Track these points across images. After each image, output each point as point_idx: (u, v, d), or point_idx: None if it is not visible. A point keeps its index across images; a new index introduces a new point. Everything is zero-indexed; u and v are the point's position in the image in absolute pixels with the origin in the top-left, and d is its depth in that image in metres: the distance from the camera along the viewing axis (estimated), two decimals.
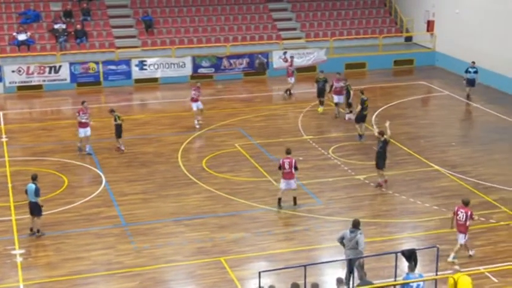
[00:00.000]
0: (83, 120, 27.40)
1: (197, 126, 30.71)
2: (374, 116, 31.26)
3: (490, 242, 20.61)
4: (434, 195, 24.09)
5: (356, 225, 17.89)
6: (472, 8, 38.63)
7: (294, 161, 22.70)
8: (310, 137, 29.58)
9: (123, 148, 27.74)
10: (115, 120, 27.82)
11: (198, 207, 23.30)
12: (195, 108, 30.96)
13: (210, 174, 25.88)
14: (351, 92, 31.19)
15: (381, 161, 24.25)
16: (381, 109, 33.02)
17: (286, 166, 22.57)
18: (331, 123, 31.71)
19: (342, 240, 18.01)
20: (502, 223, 21.99)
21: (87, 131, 27.58)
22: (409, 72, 41.15)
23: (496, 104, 33.90)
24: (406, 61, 41.91)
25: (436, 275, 17.50)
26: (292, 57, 37.61)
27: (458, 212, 19.50)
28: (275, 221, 22.34)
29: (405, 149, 28.14)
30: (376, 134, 24.83)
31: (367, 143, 28.34)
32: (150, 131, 30.68)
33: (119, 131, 27.89)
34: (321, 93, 32.77)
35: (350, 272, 17.66)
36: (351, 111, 31.31)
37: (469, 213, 19.40)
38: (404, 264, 17.22)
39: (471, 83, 34.49)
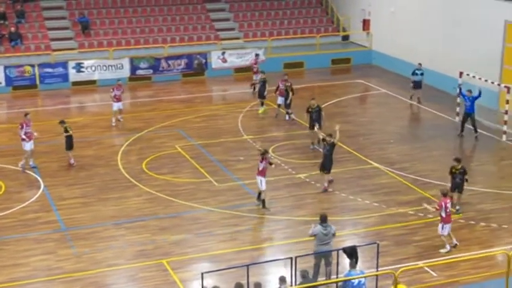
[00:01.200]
0: (27, 136, 25.95)
1: (113, 125, 30.96)
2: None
3: (427, 237, 20.94)
4: (373, 192, 24.38)
5: (325, 219, 18.09)
6: (407, 6, 39.22)
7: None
8: (251, 136, 29.61)
9: (72, 162, 26.57)
10: (66, 131, 26.46)
11: (139, 209, 23.12)
12: (115, 108, 31.13)
13: (151, 176, 25.70)
14: (290, 93, 31.30)
15: (327, 164, 24.18)
16: None
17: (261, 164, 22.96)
18: (271, 123, 31.80)
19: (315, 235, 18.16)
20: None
21: (32, 144, 26.16)
22: (347, 70, 41.55)
23: (433, 101, 34.40)
24: (344, 60, 42.29)
25: (377, 271, 17.71)
26: (257, 54, 37.46)
27: (448, 204, 19.95)
28: (217, 222, 22.29)
29: (345, 147, 28.39)
30: (326, 136, 24.57)
31: (306, 141, 28.50)
32: (89, 134, 30.30)
33: (69, 142, 26.59)
34: (261, 93, 32.87)
35: (318, 267, 18.04)
36: (290, 112, 31.41)
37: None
38: (345, 261, 17.37)
39: (418, 85, 34.01)
